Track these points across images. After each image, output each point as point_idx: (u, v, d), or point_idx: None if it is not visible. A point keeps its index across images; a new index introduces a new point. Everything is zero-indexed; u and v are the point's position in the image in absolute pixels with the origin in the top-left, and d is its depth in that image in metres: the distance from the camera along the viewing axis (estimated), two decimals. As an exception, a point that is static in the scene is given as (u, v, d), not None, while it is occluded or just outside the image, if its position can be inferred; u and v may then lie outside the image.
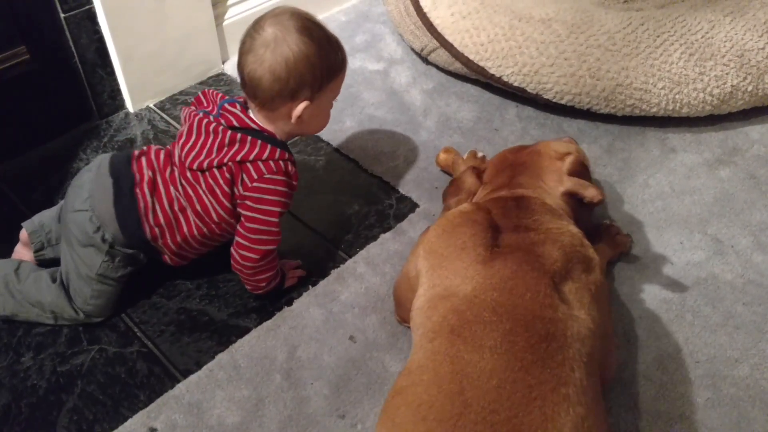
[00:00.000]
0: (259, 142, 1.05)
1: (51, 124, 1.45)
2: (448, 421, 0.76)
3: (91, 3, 1.37)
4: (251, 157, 1.04)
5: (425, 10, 1.56)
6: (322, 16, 1.83)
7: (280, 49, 1.00)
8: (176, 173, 1.07)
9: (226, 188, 1.05)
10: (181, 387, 1.04)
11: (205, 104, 1.13)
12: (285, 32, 1.01)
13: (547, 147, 1.14)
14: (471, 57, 1.51)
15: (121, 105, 1.54)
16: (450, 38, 1.52)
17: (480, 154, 1.34)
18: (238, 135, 1.05)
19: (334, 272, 1.20)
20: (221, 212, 1.06)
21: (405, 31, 1.66)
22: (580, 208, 1.08)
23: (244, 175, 1.04)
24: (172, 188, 1.07)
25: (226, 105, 1.09)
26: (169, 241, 1.08)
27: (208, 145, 1.05)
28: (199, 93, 1.16)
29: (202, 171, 1.05)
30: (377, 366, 1.07)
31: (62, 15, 1.34)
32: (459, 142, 1.47)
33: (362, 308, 1.15)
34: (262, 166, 1.04)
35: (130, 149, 1.17)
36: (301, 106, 1.04)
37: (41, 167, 1.40)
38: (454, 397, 0.78)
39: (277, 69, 1.01)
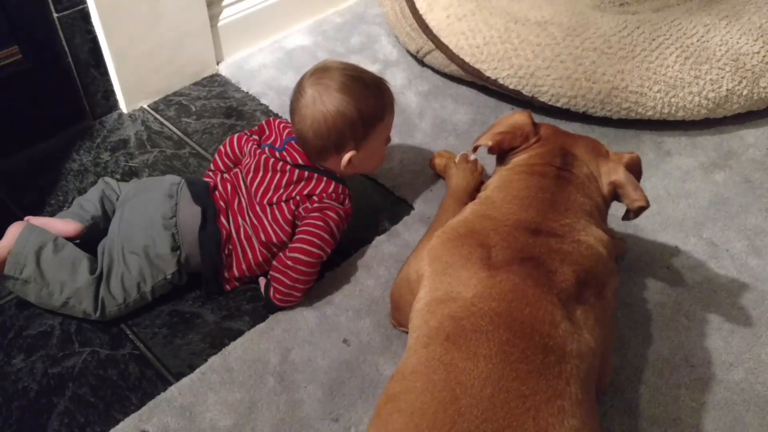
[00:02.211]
0: (325, 178, 1.14)
1: (44, 125, 1.44)
2: (441, 429, 0.75)
3: (85, 3, 1.36)
4: (317, 191, 1.13)
5: (421, 11, 1.56)
6: (317, 18, 1.84)
7: (318, 109, 1.09)
8: (244, 204, 1.15)
9: (289, 217, 1.12)
10: (173, 390, 1.03)
11: (268, 132, 1.22)
12: (323, 92, 1.09)
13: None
14: (466, 59, 1.50)
15: (114, 105, 1.53)
16: (445, 40, 1.52)
17: (472, 157, 1.33)
18: (306, 173, 1.14)
19: (328, 275, 1.19)
20: (283, 237, 1.12)
21: (400, 32, 1.66)
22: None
23: (308, 203, 1.13)
24: (239, 218, 1.14)
25: (293, 142, 1.16)
26: (234, 269, 1.14)
27: (275, 182, 1.14)
28: (263, 122, 1.25)
29: (271, 205, 1.13)
30: (371, 369, 1.06)
31: (55, 15, 1.33)
32: (454, 144, 1.46)
33: (356, 311, 1.14)
34: (324, 195, 1.13)
35: (203, 179, 1.21)
36: (347, 156, 1.12)
37: (33, 168, 1.39)
38: (447, 405, 0.77)
39: (318, 128, 1.10)
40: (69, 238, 1.12)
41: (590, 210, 0.97)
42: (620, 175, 1.01)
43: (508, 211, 0.95)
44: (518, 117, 1.08)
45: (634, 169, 1.04)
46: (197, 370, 1.05)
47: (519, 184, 0.98)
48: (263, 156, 1.16)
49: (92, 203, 1.17)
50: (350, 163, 1.13)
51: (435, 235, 0.99)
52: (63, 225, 1.13)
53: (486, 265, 0.89)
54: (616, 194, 1.03)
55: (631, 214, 1.05)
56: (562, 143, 1.03)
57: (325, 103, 1.09)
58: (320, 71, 1.12)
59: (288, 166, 1.14)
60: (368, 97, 1.10)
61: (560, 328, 0.83)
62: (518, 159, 1.04)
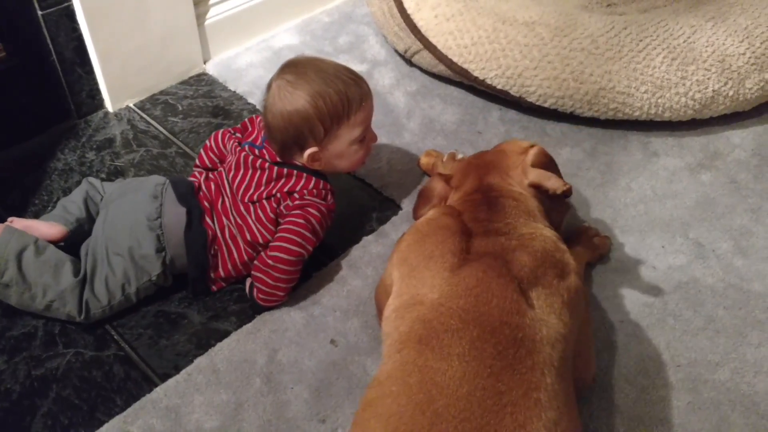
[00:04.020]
0: (304, 175, 1.13)
1: (28, 124, 1.42)
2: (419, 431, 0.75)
3: (70, 1, 1.35)
4: (298, 188, 1.13)
5: (409, 11, 1.55)
6: (304, 17, 1.83)
7: (277, 105, 1.09)
8: (228, 204, 1.14)
9: (272, 215, 1.12)
10: (158, 391, 1.02)
11: (250, 129, 1.21)
12: (282, 88, 1.09)
13: (511, 144, 1.14)
14: (454, 59, 1.50)
15: (100, 104, 1.52)
16: (433, 40, 1.52)
17: (459, 156, 1.33)
18: (285, 170, 1.13)
19: (316, 275, 1.19)
20: (268, 237, 1.11)
21: (389, 32, 1.66)
22: (551, 203, 1.07)
23: (289, 200, 1.12)
24: (224, 218, 1.13)
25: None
26: (221, 269, 1.13)
27: (256, 179, 1.13)
28: (246, 119, 1.25)
29: (253, 203, 1.12)
30: (358, 370, 1.06)
31: (40, 12, 1.32)
32: (442, 144, 1.46)
33: (344, 311, 1.14)
34: (305, 191, 1.13)
35: (187, 179, 1.20)
36: (308, 152, 1.11)
37: (17, 167, 1.38)
38: (424, 407, 0.77)
39: (277, 124, 1.10)
40: (53, 241, 1.10)
41: (528, 210, 1.02)
42: (530, 176, 1.07)
43: (461, 219, 1.00)
44: (435, 184, 1.16)
45: (542, 161, 1.09)
46: (183, 371, 1.04)
47: (459, 208, 1.04)
48: (243, 153, 1.16)
49: (76, 205, 1.16)
50: (315, 160, 1.12)
51: (403, 237, 1.01)
52: (47, 228, 1.11)
53: (448, 263, 0.91)
54: (542, 192, 1.07)
55: (564, 197, 1.09)
56: (474, 179, 1.09)
57: (283, 100, 1.08)
58: (287, 66, 1.12)
59: (267, 164, 1.14)
60: (329, 95, 1.08)
61: (527, 317, 0.85)
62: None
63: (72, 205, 1.16)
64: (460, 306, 0.85)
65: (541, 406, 0.78)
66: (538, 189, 1.06)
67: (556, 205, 1.10)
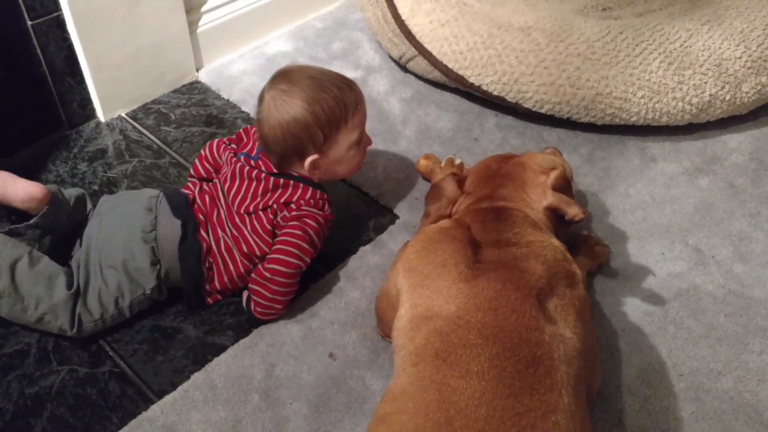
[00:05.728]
0: (301, 185, 1.12)
1: (18, 135, 1.40)
2: None
3: (60, 10, 1.33)
4: (295, 198, 1.11)
5: (403, 17, 1.54)
6: (298, 23, 1.81)
7: (273, 116, 1.08)
8: (223, 215, 1.13)
9: (268, 227, 1.10)
10: (155, 409, 1.00)
11: (245, 140, 1.20)
12: (277, 97, 1.08)
13: (532, 160, 1.13)
14: (450, 65, 1.49)
15: (91, 114, 1.50)
16: (429, 46, 1.51)
17: (457, 161, 1.33)
18: (281, 180, 1.12)
19: (313, 287, 1.17)
20: (265, 249, 1.10)
21: (383, 38, 1.64)
22: (559, 224, 1.07)
23: (286, 211, 1.11)
24: (219, 230, 1.12)
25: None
26: (216, 282, 1.12)
27: (252, 190, 1.12)
28: (241, 130, 1.24)
29: (249, 214, 1.11)
30: (358, 384, 1.04)
31: (29, 22, 1.30)
32: (438, 151, 1.45)
33: (342, 324, 1.12)
34: (302, 202, 1.11)
35: (181, 192, 1.18)
36: (309, 160, 1.10)
37: (8, 179, 1.35)
38: (441, 426, 0.76)
39: (275, 135, 1.08)
40: (31, 204, 1.09)
41: (535, 222, 1.01)
42: (549, 199, 1.06)
43: (471, 230, 0.99)
44: (447, 184, 1.16)
45: (562, 185, 1.09)
46: (180, 388, 1.03)
47: (467, 219, 1.02)
48: (239, 164, 1.14)
49: (68, 192, 1.16)
50: (316, 167, 1.12)
51: (409, 244, 1.00)
52: (27, 185, 1.09)
53: (462, 273, 0.89)
54: (556, 214, 1.07)
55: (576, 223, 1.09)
56: (488, 188, 1.09)
57: (279, 109, 1.07)
58: (278, 76, 1.11)
59: (263, 174, 1.12)
60: (326, 101, 1.08)
61: (545, 333, 0.83)
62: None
63: (64, 191, 1.16)
64: (478, 320, 0.84)
65: (560, 428, 0.76)
66: (553, 212, 1.06)
67: (565, 228, 1.09)
